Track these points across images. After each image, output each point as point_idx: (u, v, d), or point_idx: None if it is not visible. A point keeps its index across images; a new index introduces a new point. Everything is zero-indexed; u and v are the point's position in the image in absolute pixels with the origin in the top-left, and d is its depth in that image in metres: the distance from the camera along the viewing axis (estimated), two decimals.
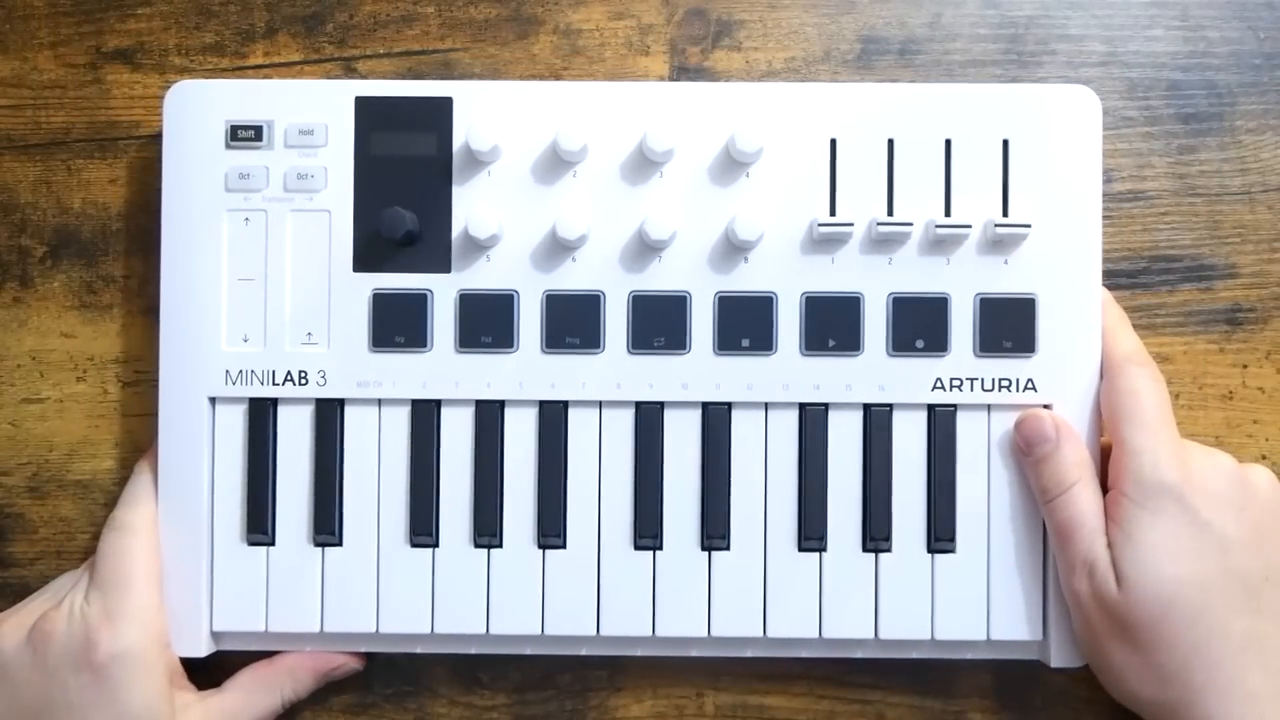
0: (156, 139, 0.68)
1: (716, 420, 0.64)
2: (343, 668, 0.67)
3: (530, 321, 0.64)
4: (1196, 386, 0.68)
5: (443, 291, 0.64)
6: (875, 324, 0.64)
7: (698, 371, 0.64)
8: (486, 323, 0.64)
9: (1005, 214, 0.64)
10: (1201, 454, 0.61)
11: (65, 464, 0.70)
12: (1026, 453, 0.63)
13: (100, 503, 0.69)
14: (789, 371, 0.64)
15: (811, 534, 0.64)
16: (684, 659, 0.67)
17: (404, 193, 0.64)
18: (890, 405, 0.64)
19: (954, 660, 0.67)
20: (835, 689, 0.68)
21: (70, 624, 0.61)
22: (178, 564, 0.64)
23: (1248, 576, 0.59)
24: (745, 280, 0.64)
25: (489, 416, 0.65)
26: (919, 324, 0.63)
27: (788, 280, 0.64)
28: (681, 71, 0.69)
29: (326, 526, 0.64)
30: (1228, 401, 0.68)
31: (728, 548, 0.64)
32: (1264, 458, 0.67)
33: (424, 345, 0.64)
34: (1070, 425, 0.63)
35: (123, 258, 0.69)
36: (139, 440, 0.69)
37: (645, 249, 0.64)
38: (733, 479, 0.64)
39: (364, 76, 0.69)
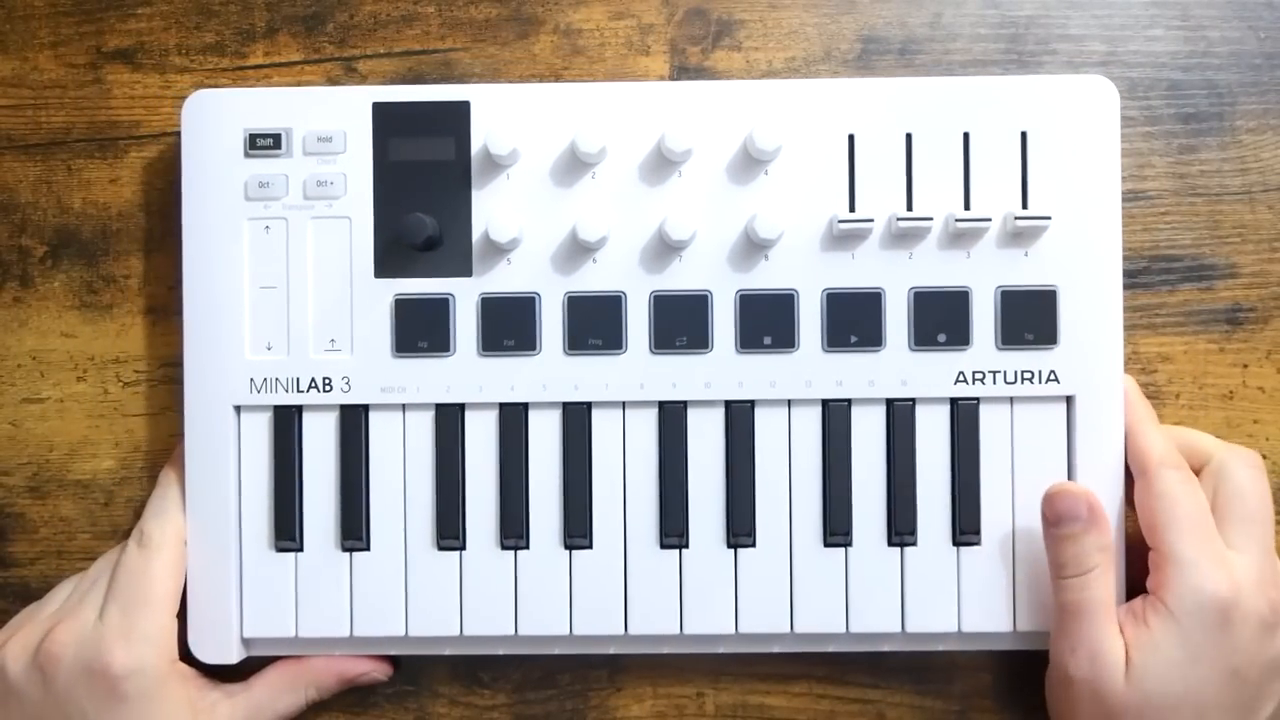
0: (157, 139, 0.68)
1: (740, 418, 0.64)
2: (368, 675, 0.66)
3: (552, 323, 0.64)
4: (1196, 386, 0.68)
5: (464, 295, 0.64)
6: (896, 319, 0.64)
7: (720, 370, 0.64)
8: (509, 326, 0.64)
9: (1025, 206, 0.64)
10: (1246, 569, 0.60)
11: (65, 464, 0.69)
12: (1053, 525, 0.61)
13: (100, 503, 0.69)
14: (811, 368, 0.64)
15: (837, 529, 0.64)
16: (683, 658, 0.68)
17: (423, 198, 0.64)
18: (913, 400, 0.64)
19: (955, 660, 0.68)
20: (835, 689, 0.68)
21: (81, 643, 0.61)
22: (207, 572, 0.64)
23: (1250, 707, 0.59)
24: (766, 278, 0.64)
25: (513, 419, 0.65)
26: (940, 318, 0.64)
27: (808, 277, 0.64)
28: (682, 71, 0.69)
29: (354, 532, 0.64)
30: (1228, 401, 0.68)
31: (753, 545, 0.64)
32: (1264, 458, 0.66)
33: (447, 350, 0.64)
34: (1102, 507, 0.61)
35: (123, 257, 0.69)
36: (139, 440, 0.69)
37: (665, 249, 0.64)
38: (757, 476, 0.64)
39: (364, 76, 0.69)
